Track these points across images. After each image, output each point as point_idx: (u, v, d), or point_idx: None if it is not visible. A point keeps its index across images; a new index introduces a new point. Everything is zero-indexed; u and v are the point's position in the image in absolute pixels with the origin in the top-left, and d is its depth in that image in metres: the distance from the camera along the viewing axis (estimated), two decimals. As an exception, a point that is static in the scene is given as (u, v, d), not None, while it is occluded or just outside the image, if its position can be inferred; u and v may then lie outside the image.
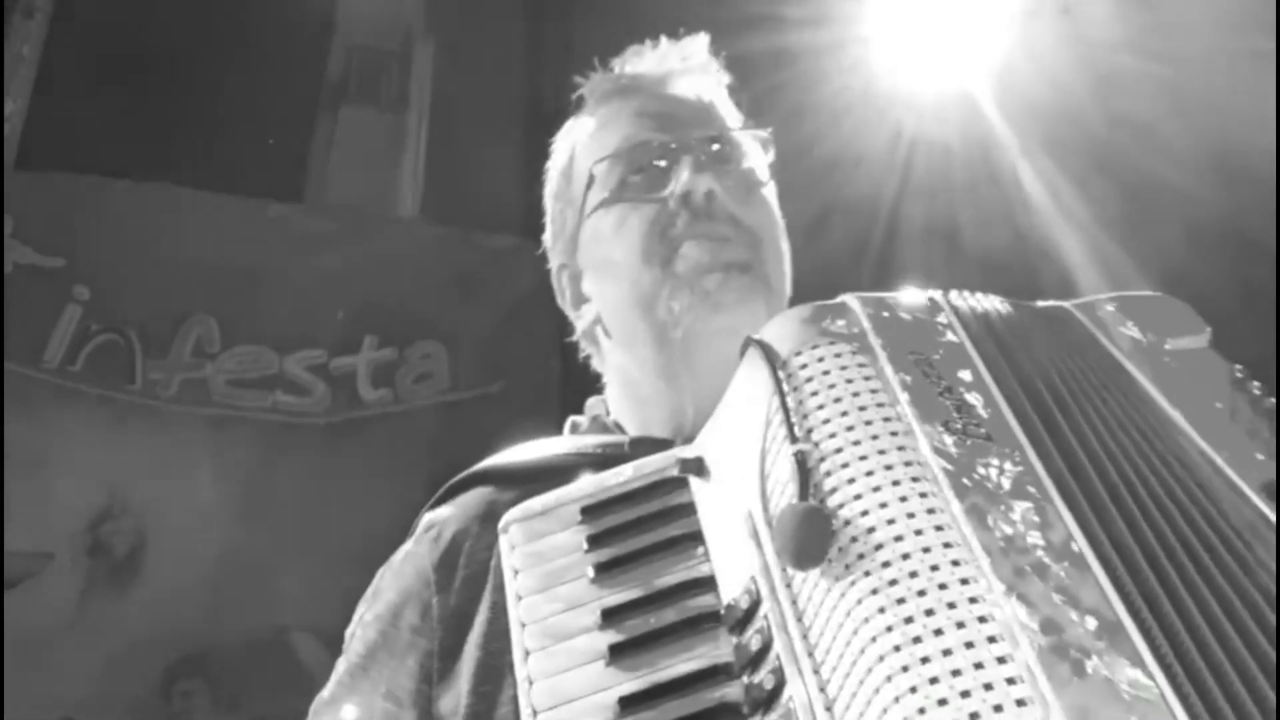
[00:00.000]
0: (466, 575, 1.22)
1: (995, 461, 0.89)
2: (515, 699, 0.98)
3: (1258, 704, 0.77)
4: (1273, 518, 0.93)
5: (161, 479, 4.82)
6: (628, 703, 0.90)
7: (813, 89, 4.21)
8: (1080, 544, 0.84)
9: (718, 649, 0.91)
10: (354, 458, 4.98)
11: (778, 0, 3.80)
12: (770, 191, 1.43)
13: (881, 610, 0.80)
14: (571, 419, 1.45)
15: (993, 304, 1.08)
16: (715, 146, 1.39)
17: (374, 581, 1.32)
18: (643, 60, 1.50)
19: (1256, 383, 1.09)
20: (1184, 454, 0.98)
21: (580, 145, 1.46)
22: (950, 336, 1.01)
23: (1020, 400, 0.96)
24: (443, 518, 1.29)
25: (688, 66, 1.48)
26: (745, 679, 0.88)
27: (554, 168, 1.51)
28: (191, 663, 4.70)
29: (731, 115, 1.47)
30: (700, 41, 1.52)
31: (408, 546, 1.30)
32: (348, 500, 4.75)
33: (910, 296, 1.06)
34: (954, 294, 1.08)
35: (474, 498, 1.30)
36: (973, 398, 0.95)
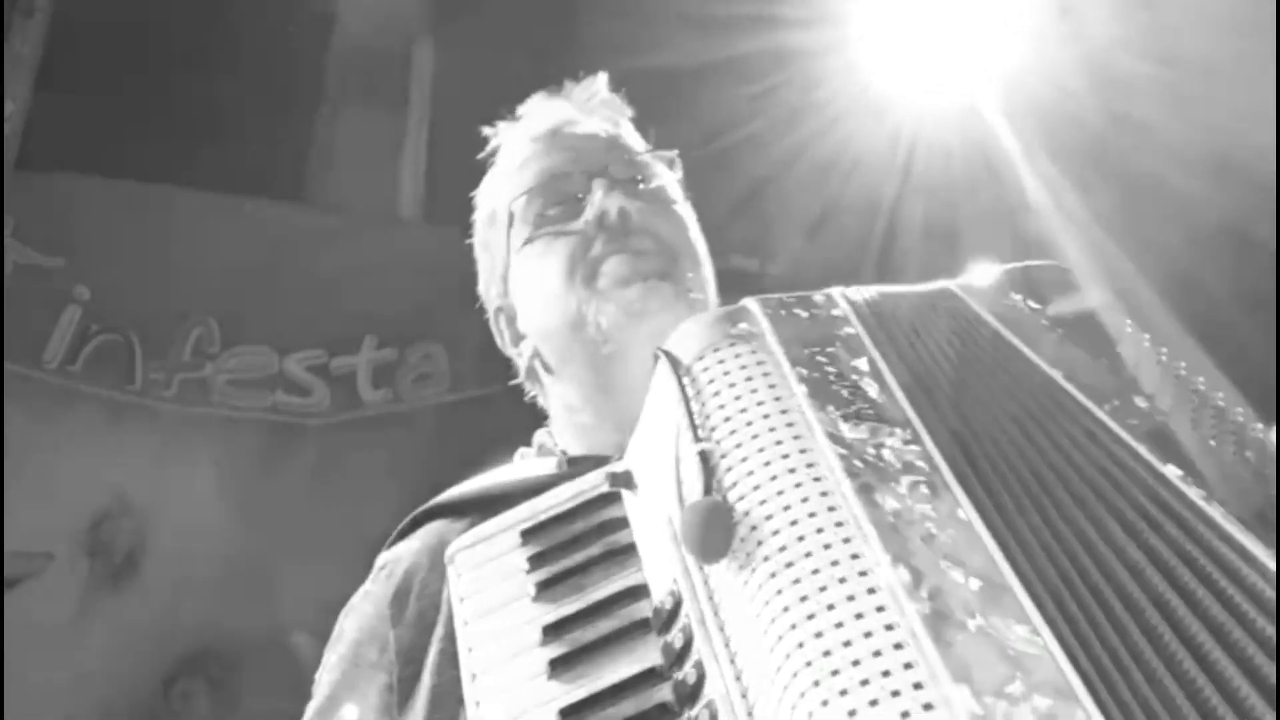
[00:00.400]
0: (420, 608, 1.27)
1: (887, 441, 0.93)
2: None
3: (1133, 656, 0.80)
4: (1149, 458, 0.97)
5: (161, 479, 4.82)
6: (568, 713, 0.94)
7: (812, 89, 4.21)
8: (967, 511, 0.88)
9: (651, 652, 0.95)
10: (354, 458, 4.98)
11: (777, 1, 3.80)
12: (684, 208, 1.50)
13: (779, 592, 0.83)
14: (521, 449, 1.50)
15: (885, 294, 1.13)
16: (625, 171, 1.46)
17: (338, 622, 1.36)
18: (548, 105, 1.59)
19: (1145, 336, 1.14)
20: (1064, 414, 1.03)
21: (498, 190, 1.55)
22: (847, 329, 1.06)
23: (911, 382, 1.01)
24: (396, 555, 1.35)
25: (591, 104, 1.56)
26: (675, 675, 0.91)
27: (478, 220, 1.64)
28: (191, 663, 4.70)
29: (638, 142, 1.55)
30: (600, 80, 1.61)
31: (366, 586, 1.36)
32: (348, 500, 4.75)
33: (809, 295, 1.12)
34: (851, 289, 1.12)
35: (425, 533, 1.35)
36: (867, 383, 0.99)
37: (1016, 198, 3.95)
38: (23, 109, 5.06)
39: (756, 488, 0.90)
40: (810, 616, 0.81)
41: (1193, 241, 3.74)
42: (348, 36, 5.73)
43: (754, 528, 0.88)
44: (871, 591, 0.81)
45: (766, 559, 0.85)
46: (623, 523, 1.07)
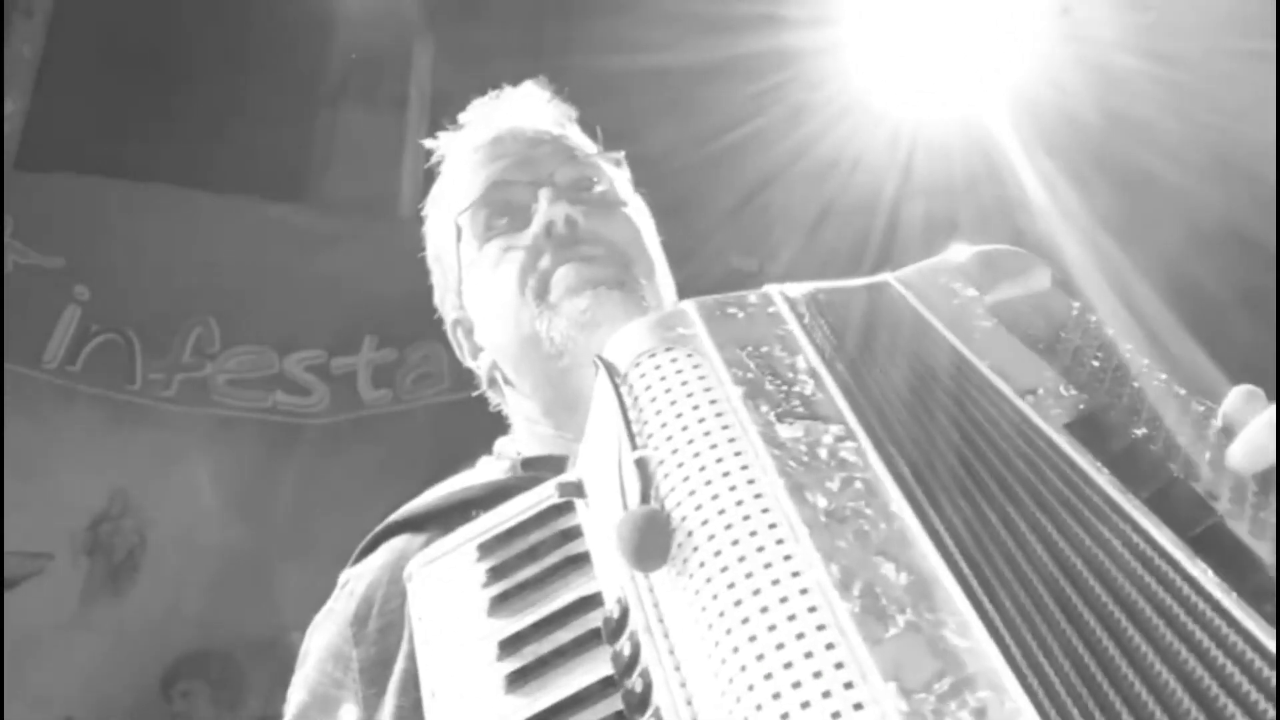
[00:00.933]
0: (380, 625, 1.27)
1: (822, 439, 0.94)
2: None
3: (1062, 646, 0.81)
4: (1065, 448, 0.98)
5: (161, 479, 4.82)
6: None
7: (812, 90, 4.21)
8: (899, 505, 0.88)
9: (605, 663, 0.94)
10: (354, 458, 4.98)
11: (777, 1, 3.80)
12: (635, 210, 1.49)
13: (716, 596, 0.84)
14: (483, 458, 1.50)
15: (821, 290, 1.13)
16: (571, 176, 1.44)
17: (304, 640, 1.37)
18: (489, 111, 1.56)
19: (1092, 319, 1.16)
20: (988, 405, 1.03)
21: (445, 201, 1.53)
22: (784, 327, 1.06)
23: (847, 378, 1.01)
24: (358, 573, 1.34)
25: (533, 107, 1.55)
26: (626, 684, 0.91)
27: (428, 232, 1.60)
28: (191, 663, 4.70)
29: (583, 143, 1.52)
30: (540, 82, 1.59)
31: (329, 604, 1.36)
32: (347, 500, 4.75)
33: (746, 294, 1.12)
34: (788, 286, 1.12)
35: (387, 549, 1.34)
36: (802, 381, 1.00)
37: (1016, 196, 3.95)
38: (23, 109, 5.06)
39: (692, 493, 0.90)
40: (745, 620, 0.81)
41: (1191, 240, 3.75)
42: (348, 36, 5.73)
43: (690, 533, 0.88)
44: (804, 592, 0.81)
45: (703, 564, 0.86)
46: (575, 532, 1.07)
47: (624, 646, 0.91)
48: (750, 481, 0.89)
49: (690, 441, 0.94)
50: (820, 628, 0.79)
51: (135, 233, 4.94)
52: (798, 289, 1.12)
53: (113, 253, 4.94)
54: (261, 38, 5.31)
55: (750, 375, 0.99)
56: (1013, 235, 4.00)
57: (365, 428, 5.16)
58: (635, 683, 0.88)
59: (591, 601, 0.99)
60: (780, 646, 0.79)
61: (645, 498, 0.91)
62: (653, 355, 1.03)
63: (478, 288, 1.46)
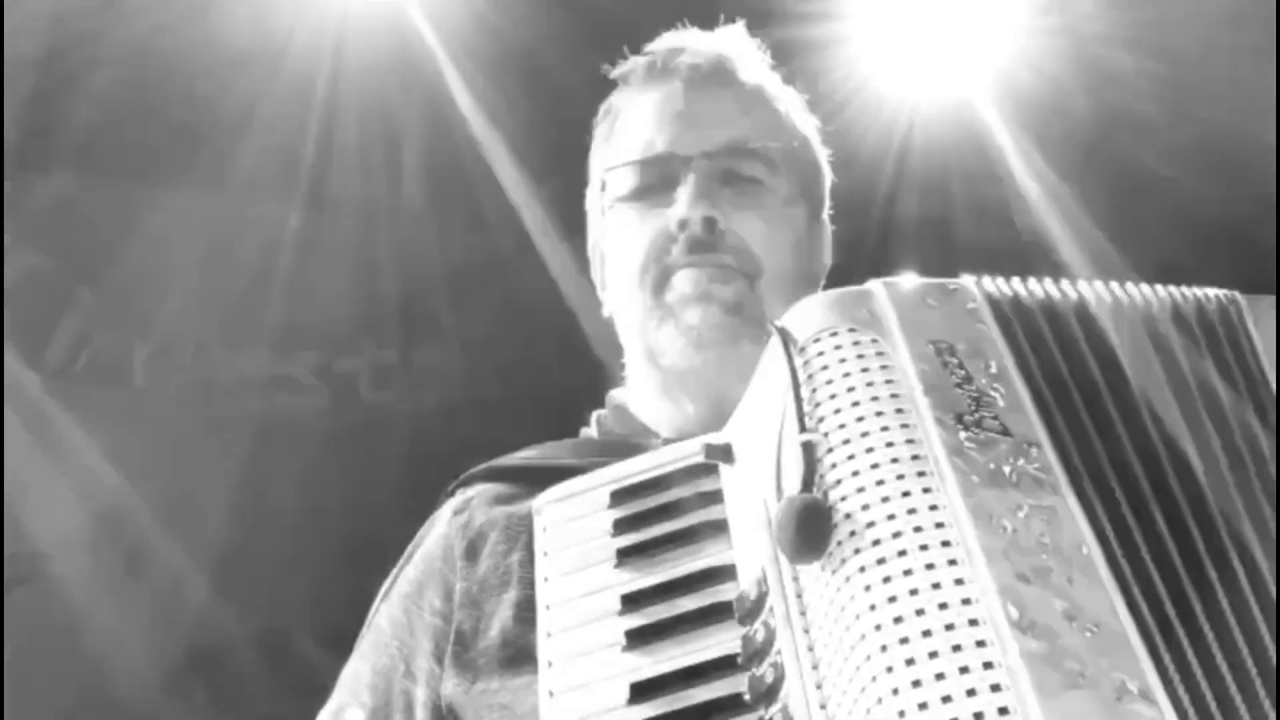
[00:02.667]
0: (490, 565, 1.24)
1: (1010, 457, 0.87)
2: (533, 682, 0.99)
3: None
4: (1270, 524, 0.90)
5: (161, 479, 4.82)
6: (639, 690, 0.90)
7: (811, 84, 4.20)
8: (1090, 548, 0.81)
9: (731, 640, 0.91)
10: (354, 458, 4.98)
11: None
12: (791, 212, 1.38)
13: (873, 608, 0.79)
14: (596, 413, 1.45)
15: (1027, 291, 1.03)
16: (728, 161, 1.34)
17: (406, 555, 1.34)
18: (678, 48, 1.43)
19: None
20: (1205, 445, 0.96)
21: (604, 138, 1.46)
22: (978, 325, 0.98)
23: (1044, 393, 0.93)
24: (470, 504, 1.31)
25: (720, 63, 1.41)
26: (753, 670, 0.87)
27: (599, 125, 1.48)
28: (192, 663, 4.70)
29: (764, 120, 1.40)
30: (739, 32, 1.46)
31: (439, 529, 1.32)
32: (348, 501, 4.75)
33: (943, 282, 1.03)
34: (988, 280, 1.04)
35: (492, 495, 1.31)
36: (993, 389, 0.92)
37: (1012, 193, 3.96)
38: (23, 109, 5.06)
39: (860, 490, 0.85)
40: (904, 640, 0.76)
41: (1189, 238, 3.75)
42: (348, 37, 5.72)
43: (853, 534, 0.83)
44: (974, 623, 0.76)
45: (863, 570, 0.81)
46: (716, 496, 1.02)
47: (757, 631, 0.88)
48: (926, 490, 0.83)
49: (865, 435, 0.88)
50: (988, 665, 0.74)
51: (135, 233, 4.94)
52: (999, 285, 1.03)
53: (113, 253, 4.93)
54: (261, 37, 5.31)
55: (938, 374, 0.92)
56: (1010, 232, 4.01)
57: (365, 428, 5.16)
58: (765, 671, 0.85)
59: (724, 573, 0.95)
60: (940, 677, 0.74)
61: (808, 485, 0.87)
62: (834, 334, 0.96)
63: (611, 237, 1.40)
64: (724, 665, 0.90)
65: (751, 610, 0.90)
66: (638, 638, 0.95)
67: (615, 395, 1.45)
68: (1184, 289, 1.08)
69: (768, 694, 0.84)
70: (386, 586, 1.35)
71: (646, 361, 1.35)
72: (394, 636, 1.25)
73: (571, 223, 1.53)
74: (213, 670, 4.71)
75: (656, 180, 1.35)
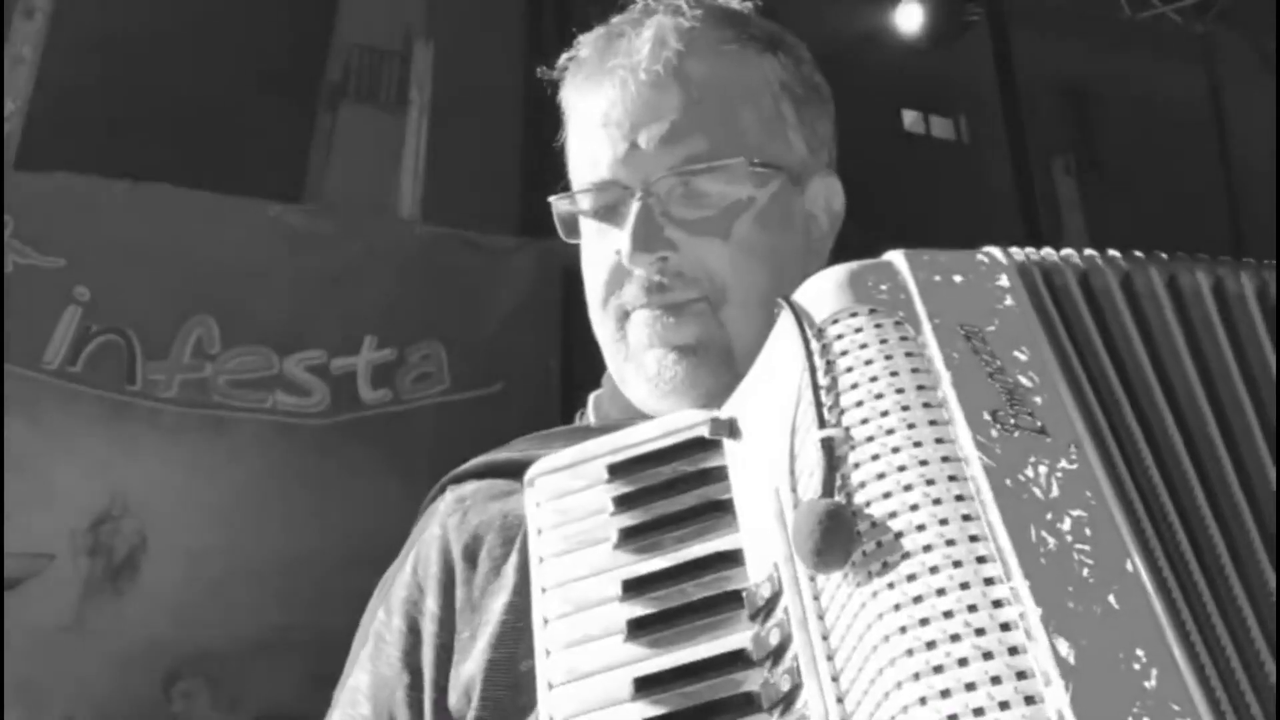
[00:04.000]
0: (489, 568, 1.18)
1: (1046, 460, 0.79)
2: (532, 670, 0.94)
3: None
4: None
5: (161, 479, 4.82)
6: (643, 684, 0.86)
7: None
8: (1137, 565, 0.74)
9: (739, 633, 0.86)
10: (354, 458, 4.98)
11: None
12: (759, 218, 1.21)
13: (903, 630, 0.72)
14: (594, 395, 1.37)
15: (1062, 262, 0.93)
16: (683, 183, 1.19)
17: (401, 557, 1.29)
18: (617, 33, 1.25)
19: None
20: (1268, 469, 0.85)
21: (570, 130, 1.29)
22: (1009, 302, 0.88)
23: (1083, 386, 0.84)
24: (466, 504, 1.25)
25: (668, 50, 1.21)
26: (764, 672, 0.83)
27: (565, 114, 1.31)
28: (191, 663, 4.70)
29: (726, 120, 1.21)
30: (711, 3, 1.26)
31: (434, 530, 1.26)
32: (347, 501, 4.75)
33: (969, 254, 0.93)
34: (1017, 251, 0.93)
35: (493, 486, 1.25)
36: (1028, 380, 0.83)
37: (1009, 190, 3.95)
38: (23, 109, 5.06)
39: (887, 495, 0.78)
40: (938, 669, 0.70)
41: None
42: (348, 36, 5.73)
43: (880, 545, 0.76)
44: (1014, 652, 0.70)
45: (891, 586, 0.74)
46: (721, 474, 0.95)
47: (770, 633, 0.82)
48: (959, 498, 0.77)
49: (890, 432, 0.81)
50: (1030, 700, 0.68)
51: (135, 233, 4.93)
52: (1031, 256, 0.92)
53: (113, 253, 4.93)
54: (262, 37, 5.30)
55: (968, 363, 0.83)
56: (1005, 229, 4.00)
57: (365, 428, 5.16)
58: (780, 678, 0.80)
59: (731, 559, 0.90)
60: (979, 713, 0.69)
61: (828, 488, 0.80)
62: (854, 314, 0.88)
63: (582, 247, 1.29)
64: (732, 662, 0.85)
65: (764, 608, 0.84)
66: (641, 627, 0.89)
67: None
68: (1246, 262, 0.96)
69: (783, 701, 0.79)
70: (382, 591, 1.31)
71: (614, 372, 1.28)
72: (396, 646, 1.21)
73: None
74: (213, 670, 4.70)
75: (605, 205, 1.23)
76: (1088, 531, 0.75)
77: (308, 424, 5.13)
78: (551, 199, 1.27)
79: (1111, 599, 0.72)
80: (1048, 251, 0.93)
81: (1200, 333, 0.91)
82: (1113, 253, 0.94)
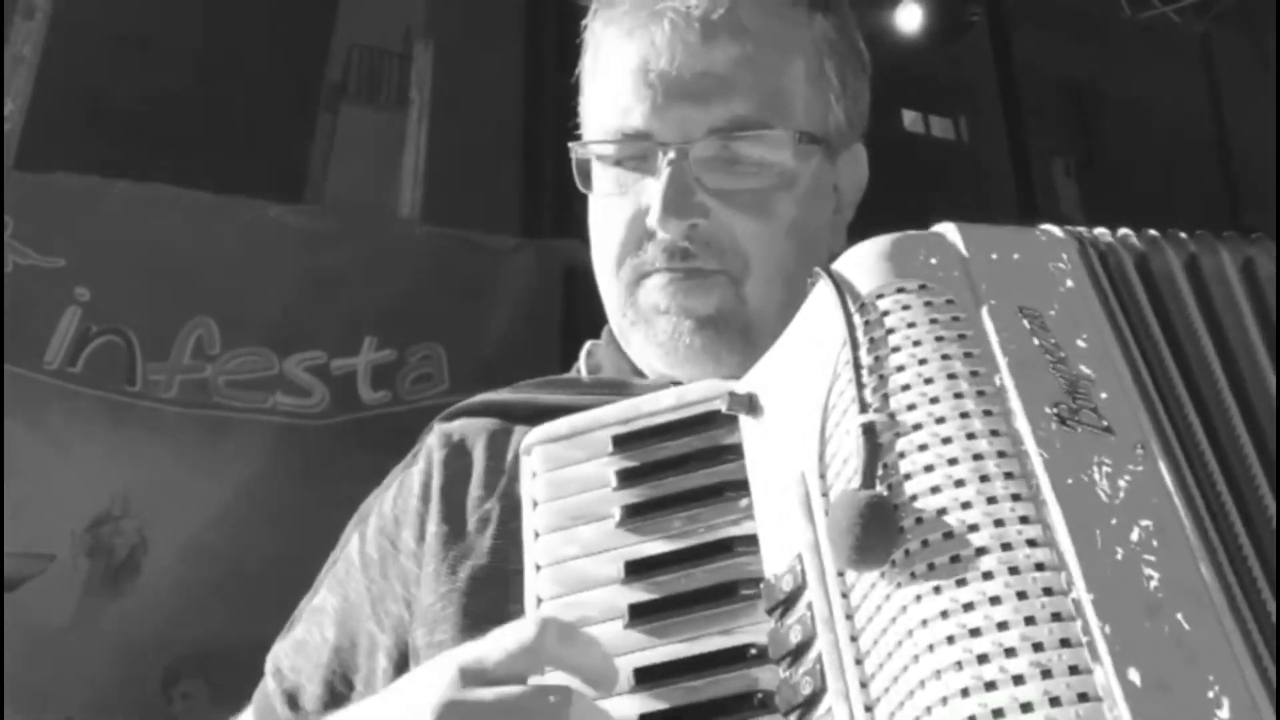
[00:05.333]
0: (468, 508, 1.15)
1: (1111, 460, 0.71)
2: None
3: None
4: None
5: (162, 480, 4.82)
6: (645, 675, 0.80)
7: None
8: (1206, 582, 0.68)
9: (751, 625, 0.80)
10: (354, 459, 4.97)
11: None
12: (798, 197, 1.15)
13: (951, 640, 0.66)
14: (589, 344, 1.31)
15: (1121, 242, 0.85)
16: (721, 148, 1.12)
17: (386, 483, 1.29)
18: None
19: None
20: None
21: (590, 71, 1.22)
22: (1069, 284, 0.80)
23: (1145, 379, 0.77)
24: (453, 441, 1.22)
25: (721, 2, 1.12)
26: (782, 671, 0.76)
27: (585, 53, 1.24)
28: (191, 663, 4.69)
29: (772, 85, 1.13)
30: None
31: (421, 464, 1.24)
32: (348, 501, 4.73)
33: (1023, 230, 0.86)
34: (1081, 230, 0.86)
35: (486, 425, 1.21)
36: (1090, 372, 0.76)
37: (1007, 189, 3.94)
38: (22, 109, 5.06)
39: (935, 491, 0.71)
40: (990, 686, 0.64)
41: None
42: (348, 36, 5.72)
43: (926, 544, 0.69)
44: (1074, 671, 0.63)
45: (938, 591, 0.68)
46: (735, 451, 0.88)
47: (791, 630, 0.76)
48: (1016, 498, 0.70)
49: (940, 420, 0.73)
50: None
51: (135, 233, 4.93)
52: (1090, 235, 0.85)
53: (113, 253, 4.93)
54: (262, 37, 5.30)
55: (1027, 351, 0.76)
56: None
57: (365, 428, 5.15)
58: (801, 680, 0.73)
59: (743, 545, 0.84)
60: None
61: (869, 479, 0.73)
62: (901, 290, 0.79)
63: (591, 204, 1.22)
64: (744, 658, 0.79)
65: (784, 602, 0.77)
66: (643, 613, 0.83)
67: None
68: None
69: (803, 706, 0.73)
70: (362, 514, 1.29)
71: (625, 343, 1.21)
72: (364, 573, 1.19)
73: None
74: (213, 670, 4.70)
75: (633, 157, 1.15)
76: (1155, 543, 0.68)
77: (308, 424, 5.12)
78: (572, 145, 1.19)
79: (1181, 618, 0.65)
80: (1102, 231, 0.86)
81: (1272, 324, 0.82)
82: (1176, 232, 0.86)
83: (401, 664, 1.11)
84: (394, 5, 5.92)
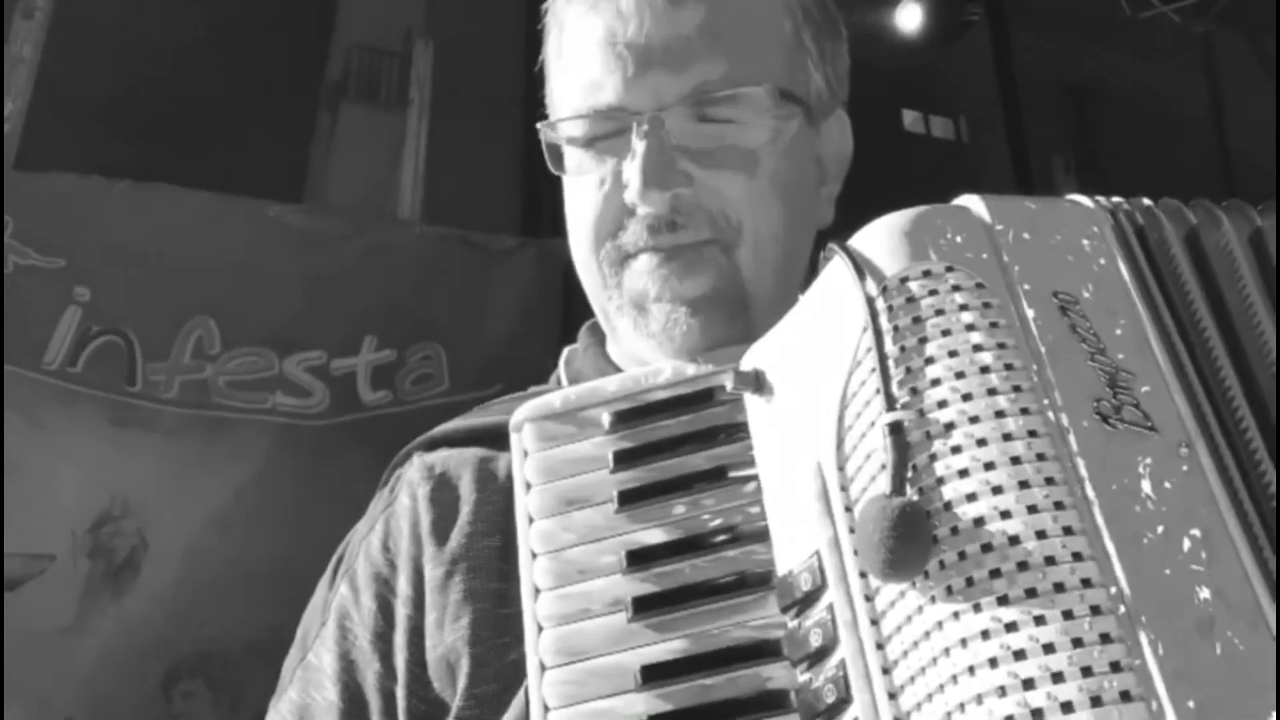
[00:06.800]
0: (463, 544, 1.08)
1: (1154, 462, 0.66)
2: (516, 653, 0.85)
3: None
4: None
5: (162, 480, 4.81)
6: (652, 673, 0.76)
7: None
8: (1259, 597, 0.63)
9: (763, 621, 0.75)
10: (353, 459, 4.96)
11: None
12: (783, 153, 1.08)
13: (994, 663, 0.62)
14: (567, 349, 1.27)
15: (1168, 216, 0.77)
16: (697, 111, 1.07)
17: (368, 525, 1.20)
18: None
19: None
20: None
21: (554, 52, 1.17)
22: (1102, 262, 0.73)
23: (1189, 371, 0.71)
24: (435, 474, 1.17)
25: None
26: (799, 675, 0.72)
27: (547, 34, 1.20)
28: (191, 664, 4.69)
29: (745, 43, 1.07)
30: None
31: (404, 501, 1.18)
32: (347, 501, 4.73)
33: (1054, 205, 0.77)
34: (1108, 200, 0.78)
35: (470, 454, 1.16)
36: (1130, 363, 0.69)
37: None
38: (22, 109, 5.06)
39: (972, 498, 0.66)
40: (1037, 714, 0.60)
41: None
42: (348, 36, 5.72)
43: (963, 555, 0.65)
44: (1126, 698, 0.59)
45: (978, 609, 0.63)
46: (740, 431, 0.83)
47: (811, 633, 0.71)
48: (1058, 506, 0.65)
49: (974, 420, 0.68)
50: None
51: (135, 233, 4.93)
52: (1129, 207, 0.77)
53: (113, 253, 4.92)
54: (262, 37, 5.30)
55: (1064, 340, 0.70)
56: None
57: (365, 429, 5.15)
58: (824, 687, 0.69)
59: (752, 536, 0.79)
60: None
61: (899, 484, 0.68)
62: (927, 273, 0.73)
63: (565, 185, 1.16)
64: (758, 655, 0.74)
65: (802, 601, 0.73)
66: (648, 606, 0.78)
67: (591, 329, 1.24)
68: None
69: (827, 714, 0.69)
70: (344, 559, 1.18)
71: (609, 331, 1.15)
72: (364, 626, 1.11)
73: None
74: (213, 671, 4.70)
75: (608, 132, 1.09)
76: (1203, 554, 0.64)
77: (308, 425, 5.12)
78: (540, 125, 1.14)
79: (1233, 637, 0.61)
80: (1139, 201, 0.78)
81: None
82: (1239, 202, 0.77)
83: (423, 715, 1.06)
84: (394, 5, 5.92)
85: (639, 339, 1.09)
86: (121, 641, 4.61)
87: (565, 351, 1.26)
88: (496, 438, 1.08)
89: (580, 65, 1.10)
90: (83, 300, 4.91)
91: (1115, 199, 0.77)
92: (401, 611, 1.09)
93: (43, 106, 5.08)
